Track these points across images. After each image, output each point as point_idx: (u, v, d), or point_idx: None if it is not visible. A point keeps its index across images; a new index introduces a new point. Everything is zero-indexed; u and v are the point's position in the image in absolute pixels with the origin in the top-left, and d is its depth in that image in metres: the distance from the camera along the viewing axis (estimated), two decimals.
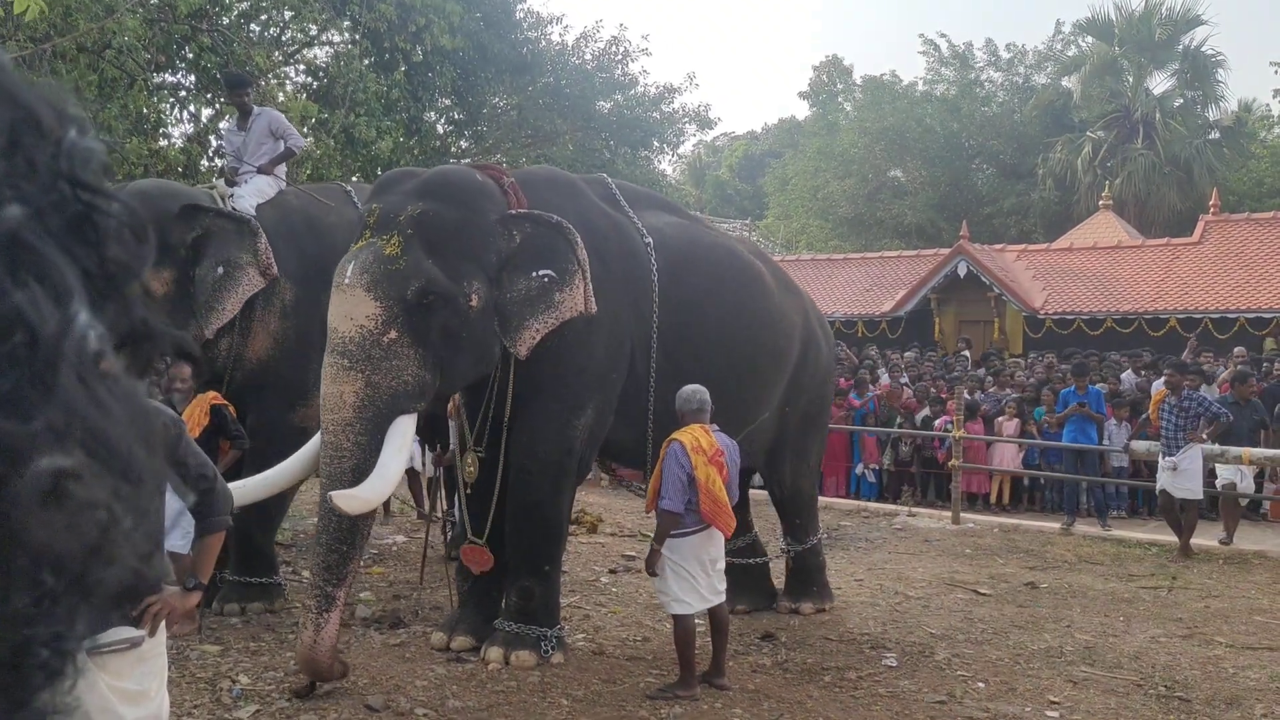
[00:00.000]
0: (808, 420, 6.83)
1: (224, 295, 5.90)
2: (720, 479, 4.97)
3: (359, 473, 4.71)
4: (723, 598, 5.22)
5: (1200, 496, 8.86)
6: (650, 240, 5.76)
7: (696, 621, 5.18)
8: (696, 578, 5.02)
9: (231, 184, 6.68)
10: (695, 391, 5.14)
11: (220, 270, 5.89)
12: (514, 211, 5.19)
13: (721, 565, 5.21)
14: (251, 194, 6.50)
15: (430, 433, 6.68)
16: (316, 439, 5.02)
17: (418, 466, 9.24)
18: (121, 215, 0.61)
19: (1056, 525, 9.93)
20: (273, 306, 6.24)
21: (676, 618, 5.07)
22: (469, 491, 5.56)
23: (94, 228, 0.59)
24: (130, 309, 0.61)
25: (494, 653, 5.31)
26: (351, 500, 4.59)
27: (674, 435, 5.03)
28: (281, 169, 6.95)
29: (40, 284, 0.55)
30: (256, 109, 7.12)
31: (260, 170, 6.73)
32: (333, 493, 4.59)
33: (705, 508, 4.92)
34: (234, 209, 6.29)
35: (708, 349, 5.84)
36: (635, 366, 5.66)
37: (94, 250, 0.59)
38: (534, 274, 5.07)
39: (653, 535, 5.13)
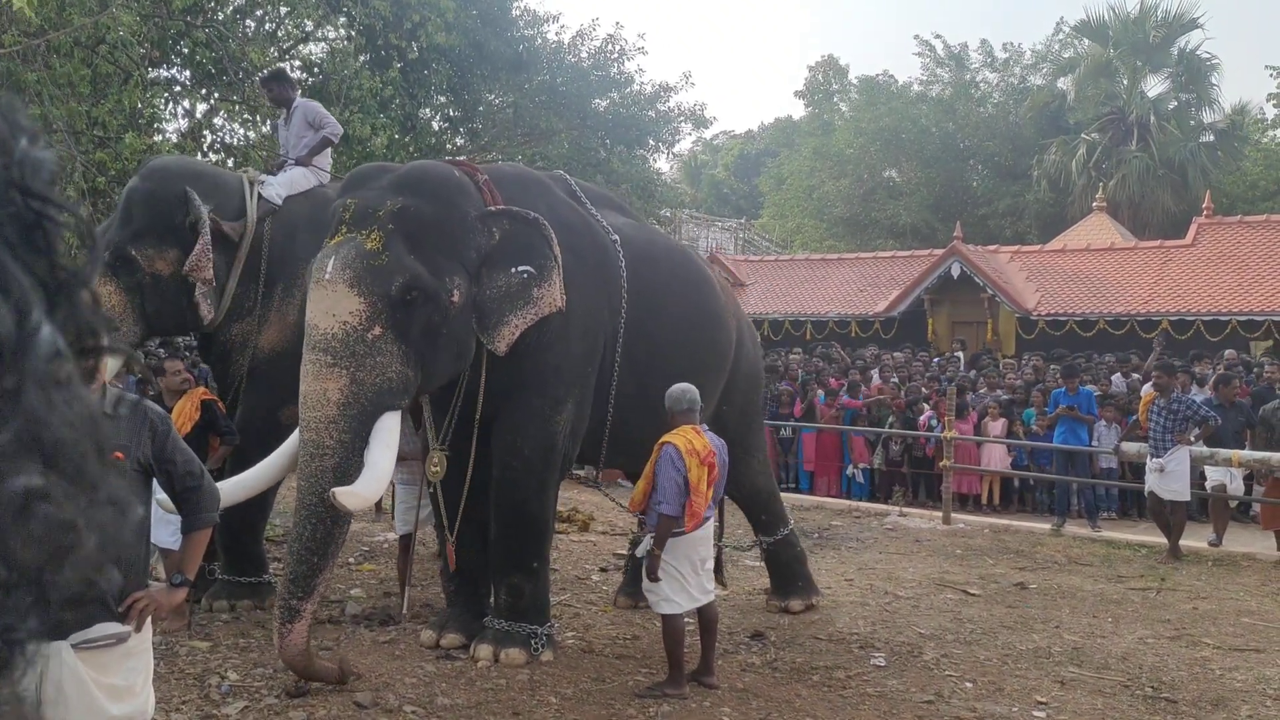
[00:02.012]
0: (744, 417, 6.92)
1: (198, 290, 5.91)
2: (708, 481, 5.00)
3: (341, 471, 4.66)
4: (712, 597, 5.23)
5: (1188, 498, 8.88)
6: (616, 238, 5.84)
7: (686, 621, 5.20)
8: (686, 577, 5.03)
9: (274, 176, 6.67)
10: (685, 391, 5.14)
11: None
12: (492, 208, 5.19)
13: (710, 565, 5.22)
14: (281, 184, 6.47)
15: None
16: (294, 438, 4.96)
17: None
18: (72, 224, 0.61)
19: (1047, 526, 9.95)
20: (292, 297, 6.19)
21: (666, 617, 5.08)
22: (433, 490, 5.57)
23: (45, 236, 0.60)
24: (79, 315, 0.62)
25: (483, 650, 5.32)
26: (352, 497, 4.55)
27: (667, 437, 5.02)
28: (323, 159, 6.88)
29: (3, 294, 0.55)
30: (296, 101, 7.07)
31: (299, 162, 6.72)
32: (336, 489, 4.53)
33: (693, 506, 4.96)
34: (260, 197, 6.28)
35: (665, 345, 5.93)
36: (602, 361, 5.71)
37: (45, 258, 0.60)
38: (513, 270, 5.07)
39: (638, 536, 5.13)
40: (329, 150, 7.01)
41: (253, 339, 6.18)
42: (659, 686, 5.03)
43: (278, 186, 6.44)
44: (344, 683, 4.82)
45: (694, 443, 4.99)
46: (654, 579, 4.99)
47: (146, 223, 5.88)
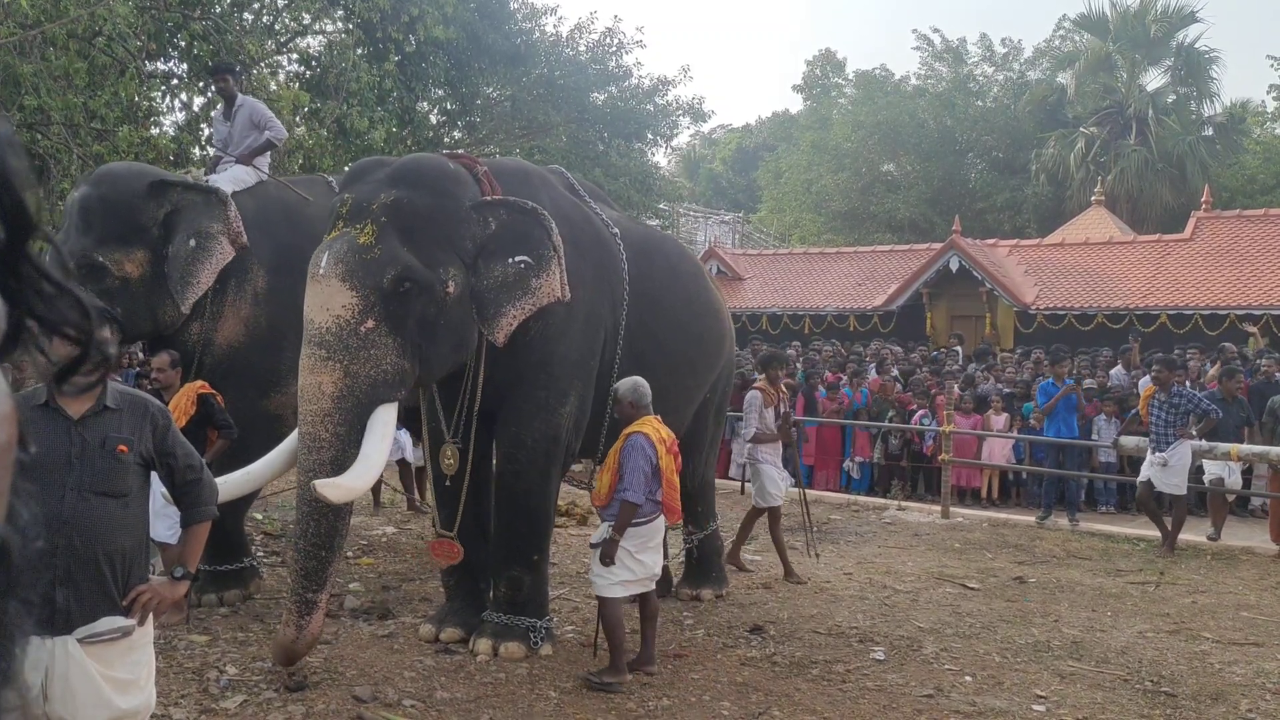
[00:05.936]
0: (720, 412, 7.18)
1: (198, 267, 5.88)
2: (675, 469, 5.13)
3: (338, 464, 4.65)
4: (653, 586, 5.31)
5: (1185, 492, 8.88)
6: (616, 231, 5.90)
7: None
8: (643, 564, 5.11)
9: (212, 172, 6.67)
10: (639, 384, 5.21)
11: (192, 242, 5.88)
12: (489, 198, 5.18)
13: (660, 553, 5.34)
14: (227, 182, 6.44)
15: (418, 424, 6.67)
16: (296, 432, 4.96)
17: (409, 458, 9.23)
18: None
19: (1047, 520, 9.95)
20: (245, 293, 6.19)
21: (606, 601, 5.10)
22: (447, 484, 5.56)
23: None
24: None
25: (483, 644, 5.32)
26: (335, 489, 4.52)
27: (634, 428, 5.10)
28: (263, 160, 6.87)
29: None
30: (240, 98, 7.05)
31: (239, 160, 6.71)
32: (316, 481, 4.52)
33: (667, 497, 5.07)
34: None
35: (665, 338, 6.03)
36: (603, 354, 5.73)
37: None
38: (510, 260, 5.05)
39: (592, 524, 5.13)
40: (269, 153, 7.00)
41: (210, 336, 6.16)
42: (599, 674, 5.00)
43: (224, 185, 6.39)
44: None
45: (660, 431, 5.11)
46: (609, 563, 5.03)
47: (108, 227, 5.85)
